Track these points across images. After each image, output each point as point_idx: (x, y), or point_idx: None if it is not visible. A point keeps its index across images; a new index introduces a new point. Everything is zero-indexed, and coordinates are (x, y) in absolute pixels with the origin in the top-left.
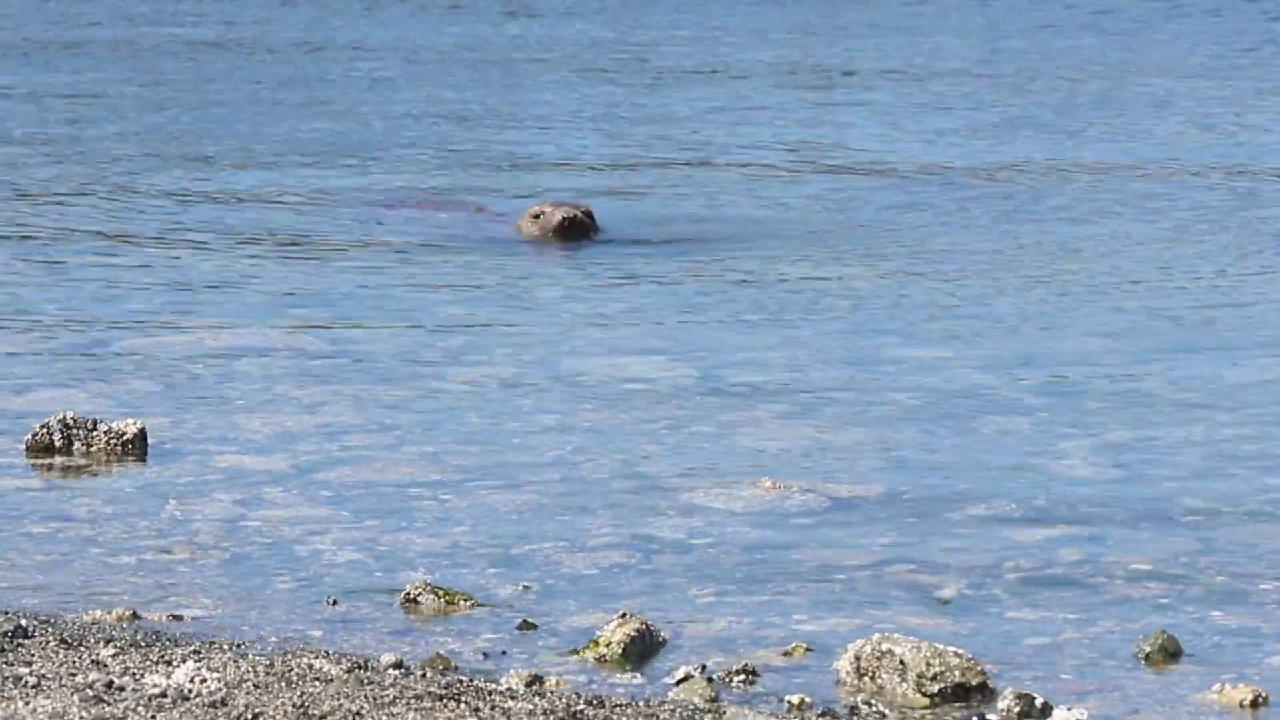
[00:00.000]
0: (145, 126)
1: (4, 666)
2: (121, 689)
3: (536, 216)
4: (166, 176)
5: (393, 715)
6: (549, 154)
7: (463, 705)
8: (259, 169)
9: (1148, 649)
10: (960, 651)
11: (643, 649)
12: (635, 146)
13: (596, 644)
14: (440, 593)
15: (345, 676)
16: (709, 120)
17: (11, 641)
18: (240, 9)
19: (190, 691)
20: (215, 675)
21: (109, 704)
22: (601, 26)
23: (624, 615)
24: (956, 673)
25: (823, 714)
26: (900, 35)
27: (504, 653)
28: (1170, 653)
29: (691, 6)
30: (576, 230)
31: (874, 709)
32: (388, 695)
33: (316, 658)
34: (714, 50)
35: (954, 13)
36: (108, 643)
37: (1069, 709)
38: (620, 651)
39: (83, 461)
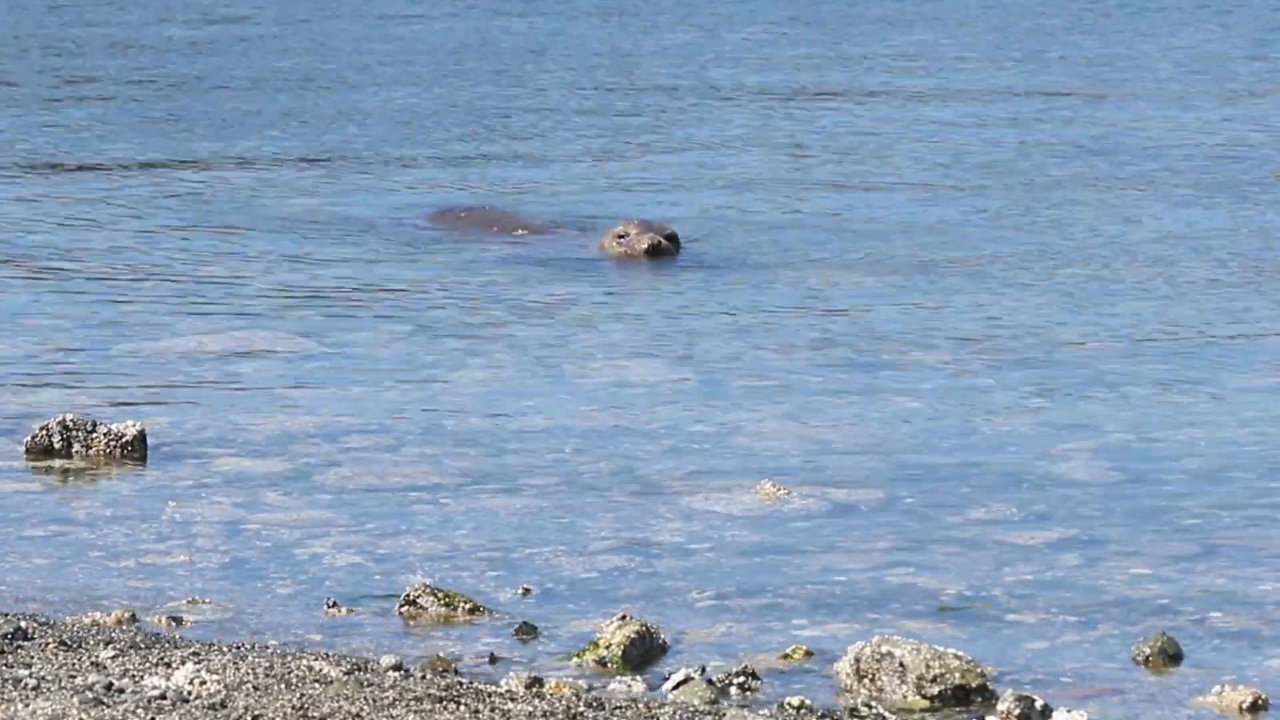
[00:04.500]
0: (148, 124)
1: (4, 669)
2: (121, 691)
3: (621, 236)
4: (168, 176)
5: (392, 717)
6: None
7: (462, 707)
8: (264, 169)
9: (1147, 651)
10: (960, 654)
11: (642, 651)
12: (729, 167)
13: (596, 646)
14: (440, 595)
15: (345, 678)
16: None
17: (11, 644)
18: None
19: (190, 693)
20: (215, 677)
21: (108, 706)
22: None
23: (624, 617)
24: (956, 675)
25: (822, 716)
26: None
27: (503, 658)
28: (1170, 655)
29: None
30: (662, 254)
31: (874, 711)
32: (387, 697)
33: (316, 660)
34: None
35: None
36: (107, 645)
37: (1069, 711)
38: (620, 654)
39: (82, 464)
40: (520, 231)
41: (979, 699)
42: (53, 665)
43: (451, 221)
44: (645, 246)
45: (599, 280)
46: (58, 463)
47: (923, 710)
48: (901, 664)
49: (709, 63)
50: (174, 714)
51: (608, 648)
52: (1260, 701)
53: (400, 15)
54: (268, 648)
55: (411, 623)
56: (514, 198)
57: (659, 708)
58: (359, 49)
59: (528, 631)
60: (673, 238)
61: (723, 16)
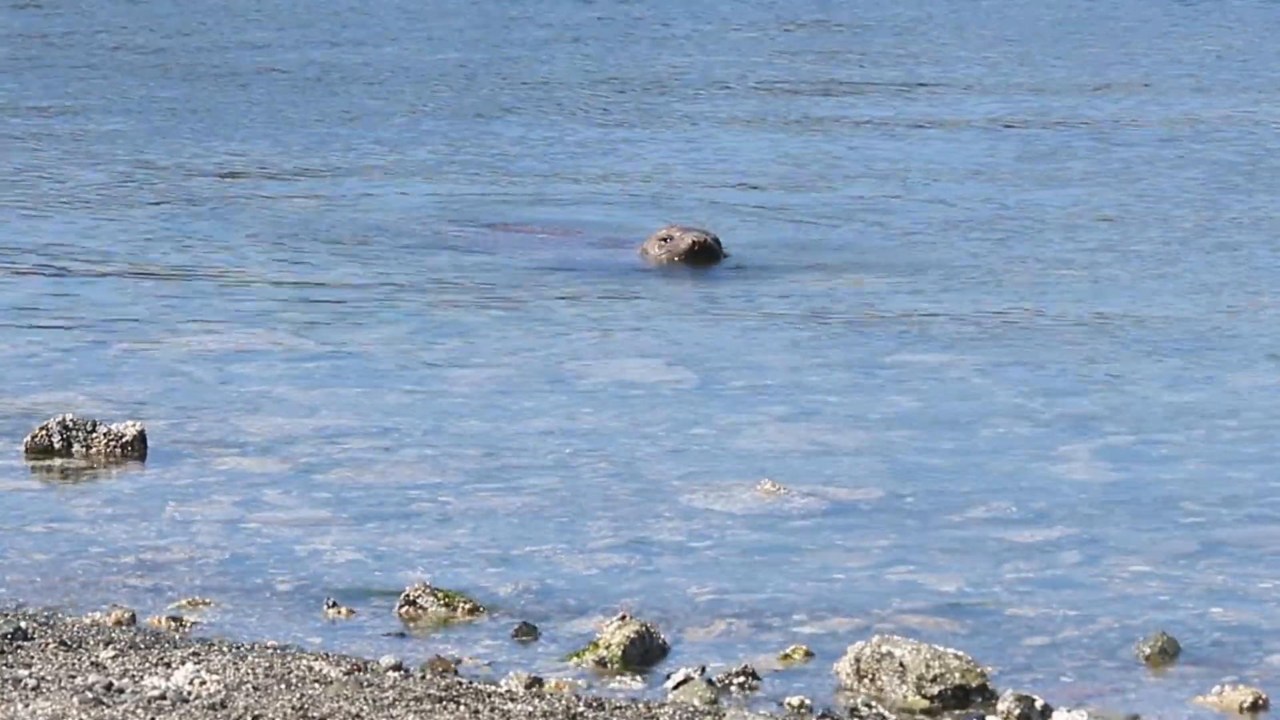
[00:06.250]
0: (158, 122)
1: (3, 669)
2: (121, 691)
3: (664, 240)
4: (169, 175)
5: (392, 717)
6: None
7: (462, 707)
8: (266, 168)
9: (1148, 650)
10: (960, 653)
11: (642, 651)
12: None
13: (596, 646)
14: (440, 595)
15: (345, 678)
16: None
17: (11, 644)
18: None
19: (189, 693)
20: (215, 677)
21: (108, 706)
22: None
23: (624, 617)
24: (956, 675)
25: (822, 716)
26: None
27: (503, 659)
28: (1170, 654)
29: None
30: (706, 255)
31: (874, 711)
32: (387, 697)
33: (316, 659)
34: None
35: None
36: (107, 645)
37: (1069, 711)
38: (620, 654)
39: (82, 463)
40: (542, 236)
41: (979, 699)
42: (53, 665)
43: (470, 230)
44: (687, 245)
45: (601, 281)
46: (58, 462)
47: (923, 710)
48: (901, 664)
49: (717, 58)
50: (174, 714)
51: (607, 648)
52: (1260, 701)
53: (404, 13)
54: (268, 648)
55: (411, 623)
56: (523, 200)
57: (659, 708)
58: (362, 47)
59: (528, 631)
60: (715, 241)
61: (732, 13)
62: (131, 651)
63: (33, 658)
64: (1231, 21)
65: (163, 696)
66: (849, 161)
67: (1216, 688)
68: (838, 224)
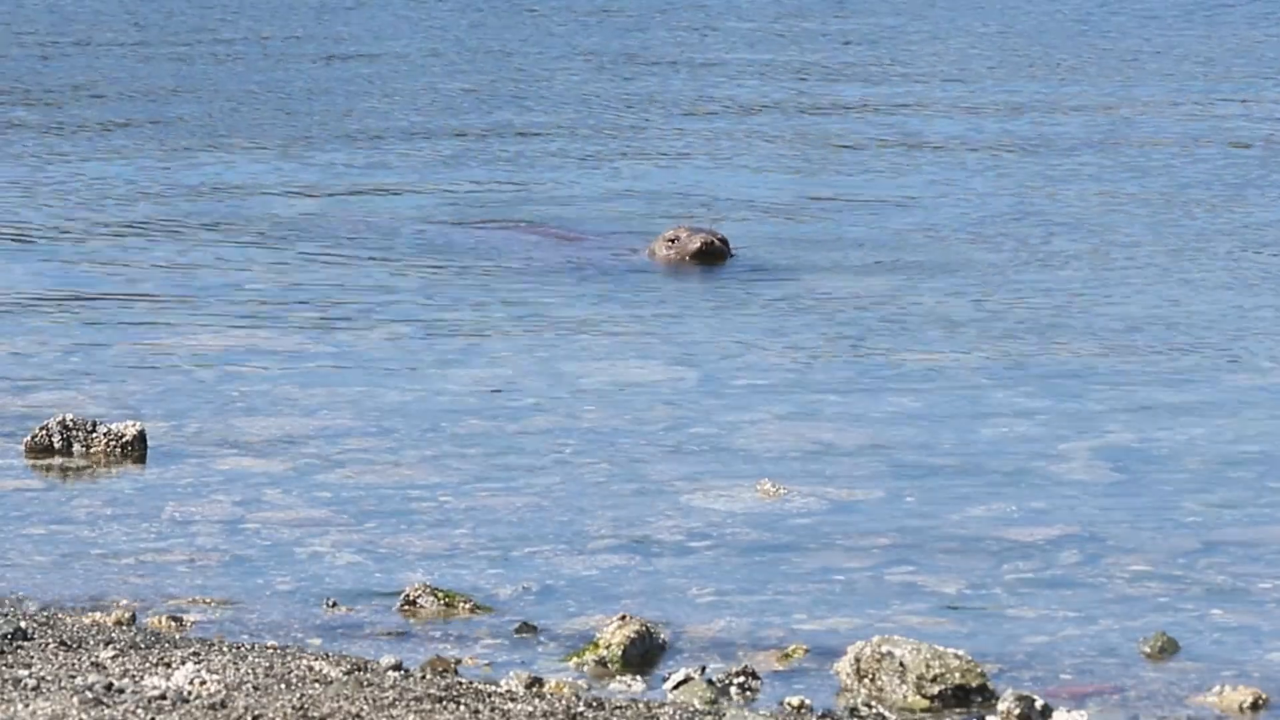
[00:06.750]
0: (161, 122)
1: (3, 669)
2: (121, 691)
3: (672, 240)
4: (169, 175)
5: (392, 717)
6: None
7: (462, 707)
8: (266, 169)
9: (1147, 650)
10: (960, 653)
11: (642, 651)
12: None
13: (596, 646)
14: (440, 595)
15: (345, 678)
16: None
17: (11, 644)
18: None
19: (189, 693)
20: (215, 677)
21: (108, 706)
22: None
23: (624, 617)
24: (956, 674)
25: (822, 716)
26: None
27: (503, 659)
28: (1170, 652)
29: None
30: (714, 255)
31: (874, 711)
32: (387, 697)
33: (316, 659)
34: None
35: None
36: (107, 645)
37: (1069, 711)
38: (620, 654)
39: (82, 463)
40: (550, 237)
41: (979, 699)
42: (53, 665)
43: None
44: (695, 246)
45: (608, 281)
46: (58, 462)
47: (923, 710)
48: (901, 664)
49: (719, 59)
50: (174, 714)
51: (607, 648)
52: (1260, 701)
53: (405, 16)
54: (268, 648)
55: (411, 620)
56: (531, 200)
57: (659, 708)
58: (368, 50)
59: (528, 631)
60: (723, 240)
61: (735, 11)
62: (131, 651)
63: (33, 658)
64: (1247, 17)
65: (163, 696)
66: (856, 163)
67: (1216, 687)
68: (845, 225)
